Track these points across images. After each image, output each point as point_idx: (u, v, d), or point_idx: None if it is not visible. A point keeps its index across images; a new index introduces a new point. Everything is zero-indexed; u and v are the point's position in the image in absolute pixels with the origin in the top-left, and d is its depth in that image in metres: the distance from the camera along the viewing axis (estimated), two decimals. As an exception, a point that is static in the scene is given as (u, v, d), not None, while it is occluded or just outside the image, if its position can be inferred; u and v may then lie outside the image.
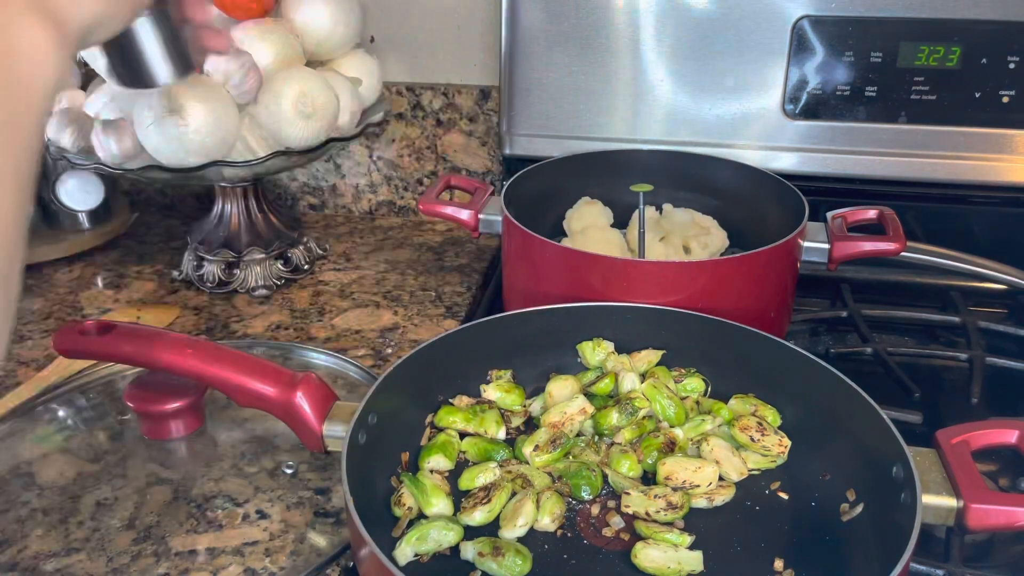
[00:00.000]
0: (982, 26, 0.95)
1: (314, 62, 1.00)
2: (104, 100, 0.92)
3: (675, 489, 0.63)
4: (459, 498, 0.63)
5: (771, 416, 0.70)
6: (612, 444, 0.68)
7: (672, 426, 0.69)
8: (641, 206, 0.92)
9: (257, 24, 0.93)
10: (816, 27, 0.99)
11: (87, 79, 1.07)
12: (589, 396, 0.72)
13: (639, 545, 0.58)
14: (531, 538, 0.60)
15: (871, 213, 0.92)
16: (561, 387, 0.73)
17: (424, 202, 0.97)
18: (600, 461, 0.67)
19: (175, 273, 1.08)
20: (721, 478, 0.65)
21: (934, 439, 0.61)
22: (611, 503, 0.64)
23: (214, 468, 0.75)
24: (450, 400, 0.73)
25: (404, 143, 1.22)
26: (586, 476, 0.64)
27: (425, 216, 1.16)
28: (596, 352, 0.76)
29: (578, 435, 0.70)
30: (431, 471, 0.66)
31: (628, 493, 0.63)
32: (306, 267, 1.09)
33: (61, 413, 0.83)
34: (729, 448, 0.66)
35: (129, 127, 0.88)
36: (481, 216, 0.96)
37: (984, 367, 0.87)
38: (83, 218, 1.15)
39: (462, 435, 0.70)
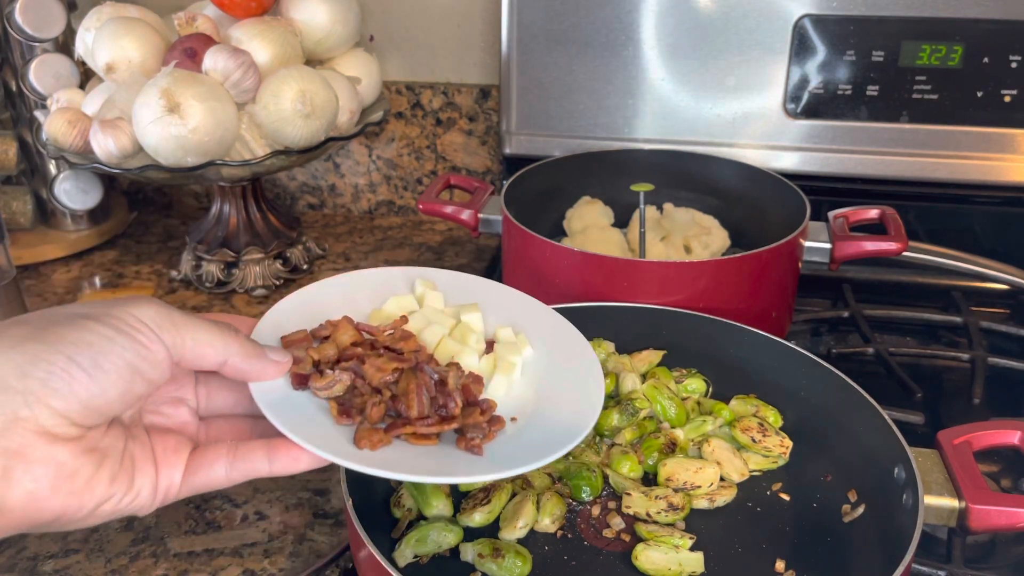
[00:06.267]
0: (984, 25, 0.95)
1: (313, 61, 1.00)
2: (102, 99, 0.92)
3: (676, 490, 0.63)
4: (459, 499, 0.63)
5: (772, 417, 0.69)
6: (613, 445, 0.68)
7: (673, 427, 0.69)
8: (642, 206, 0.91)
9: (256, 22, 0.92)
10: (817, 26, 0.98)
11: (85, 78, 1.07)
12: (589, 396, 0.71)
13: (640, 546, 0.58)
14: (531, 539, 0.60)
15: (873, 213, 0.92)
16: (561, 387, 0.72)
17: (424, 201, 0.97)
18: (601, 462, 0.66)
19: (174, 273, 1.08)
20: (722, 479, 0.65)
21: (936, 440, 0.61)
22: (612, 504, 0.63)
23: (213, 469, 0.74)
24: (450, 400, 0.72)
25: (404, 142, 1.22)
26: (586, 477, 0.64)
27: (425, 216, 1.16)
28: (597, 352, 0.75)
29: (578, 436, 0.70)
30: (431, 472, 0.66)
31: (629, 494, 0.62)
32: (305, 267, 1.09)
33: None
34: (730, 449, 0.66)
35: (127, 126, 0.88)
36: (481, 216, 0.95)
37: (986, 367, 0.87)
38: (82, 217, 1.15)
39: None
